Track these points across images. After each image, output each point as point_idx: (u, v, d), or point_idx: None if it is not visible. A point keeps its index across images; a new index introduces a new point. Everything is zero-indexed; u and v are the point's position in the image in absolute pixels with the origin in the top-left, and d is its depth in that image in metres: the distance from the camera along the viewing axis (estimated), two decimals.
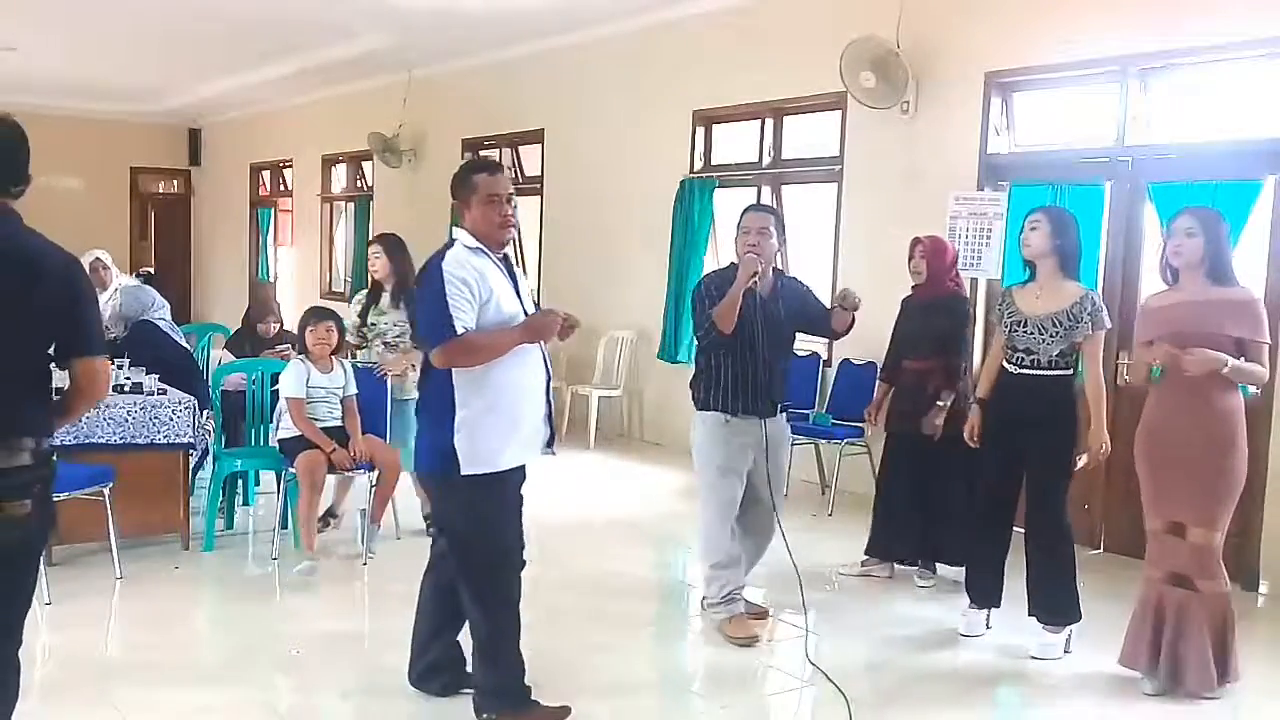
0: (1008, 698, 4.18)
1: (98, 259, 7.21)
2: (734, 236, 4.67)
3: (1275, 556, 5.39)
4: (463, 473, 3.44)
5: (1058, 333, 4.35)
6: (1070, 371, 4.42)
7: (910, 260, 5.31)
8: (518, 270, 3.73)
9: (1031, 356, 4.41)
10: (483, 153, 11.38)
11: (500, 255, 3.60)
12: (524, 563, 3.70)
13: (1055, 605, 4.48)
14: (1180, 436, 3.98)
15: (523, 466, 3.64)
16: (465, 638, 3.76)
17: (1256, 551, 5.41)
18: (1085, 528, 6.04)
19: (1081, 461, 4.35)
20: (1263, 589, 5.40)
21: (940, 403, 5.13)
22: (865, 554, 5.46)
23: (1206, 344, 3.87)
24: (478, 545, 3.57)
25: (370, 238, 6.38)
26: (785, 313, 4.61)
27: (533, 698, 3.67)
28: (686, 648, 4.50)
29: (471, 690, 3.70)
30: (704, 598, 4.67)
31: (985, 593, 4.65)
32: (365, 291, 6.13)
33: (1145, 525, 4.15)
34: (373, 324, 5.91)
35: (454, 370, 3.43)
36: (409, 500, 5.81)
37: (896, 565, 5.43)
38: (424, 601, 3.85)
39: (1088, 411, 4.43)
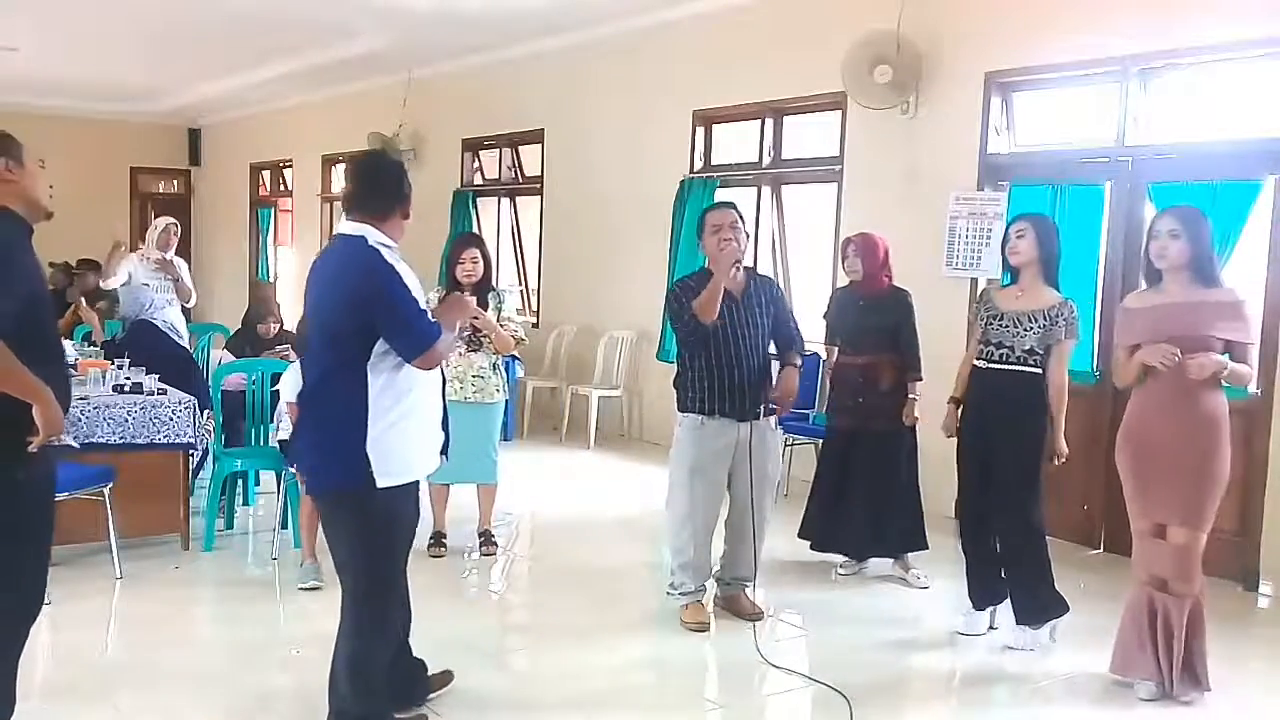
0: (1005, 699, 4.17)
1: (171, 223, 7.52)
2: (698, 239, 4.71)
3: (1275, 557, 5.39)
4: (379, 485, 3.22)
5: (1032, 328, 4.39)
6: (1040, 371, 4.44)
7: (844, 260, 5.46)
8: None
9: (1003, 350, 4.46)
10: (482, 153, 11.42)
11: None
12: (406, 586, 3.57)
13: (1032, 607, 4.52)
14: (1164, 438, 3.94)
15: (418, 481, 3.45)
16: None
17: (1256, 552, 5.41)
18: (1085, 528, 6.06)
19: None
20: (1264, 589, 5.40)
21: (913, 395, 5.29)
22: (807, 542, 5.56)
23: (1198, 347, 3.84)
24: (376, 564, 3.35)
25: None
26: (763, 314, 4.62)
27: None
28: (686, 648, 4.50)
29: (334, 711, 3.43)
30: (669, 584, 4.76)
31: (983, 594, 4.66)
32: None
33: (1132, 527, 4.14)
34: None
35: (370, 373, 3.20)
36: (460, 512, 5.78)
37: (823, 554, 5.56)
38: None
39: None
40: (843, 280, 7.24)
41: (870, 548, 5.42)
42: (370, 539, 3.32)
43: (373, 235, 3.29)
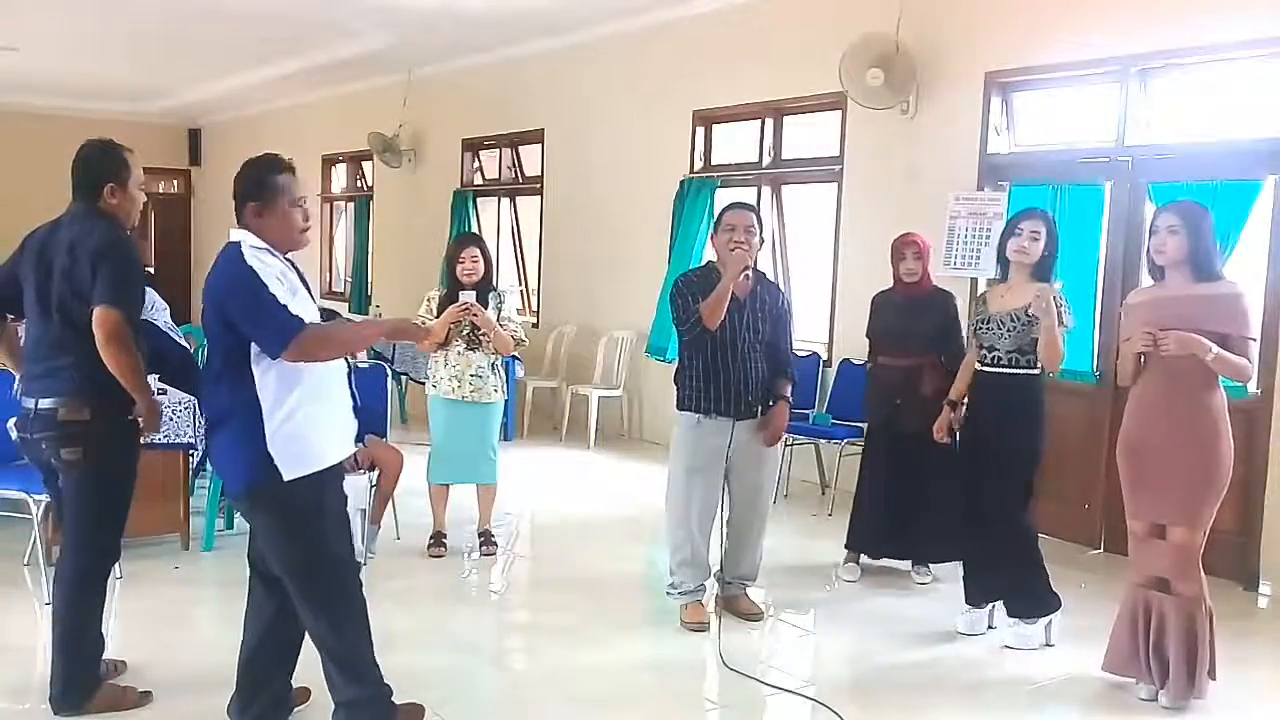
0: (1005, 698, 4.16)
1: None
2: (711, 233, 4.71)
3: (1275, 557, 5.39)
4: (285, 479, 3.14)
5: (1014, 328, 4.39)
6: (1035, 371, 4.43)
7: (902, 261, 5.32)
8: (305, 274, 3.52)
9: (993, 353, 4.47)
10: (482, 153, 11.42)
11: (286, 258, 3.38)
12: (359, 565, 3.50)
13: (1026, 603, 4.54)
14: (1159, 436, 3.92)
15: (341, 465, 3.35)
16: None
17: (1257, 552, 5.41)
18: (1085, 528, 6.06)
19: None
20: (1263, 589, 5.40)
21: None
22: (846, 549, 5.49)
23: None
24: (316, 561, 3.26)
25: None
26: (764, 317, 4.62)
27: (393, 700, 3.44)
28: (685, 648, 4.50)
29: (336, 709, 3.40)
30: (669, 584, 4.76)
31: (978, 592, 4.66)
32: None
33: (1127, 528, 4.13)
34: None
35: (255, 369, 3.15)
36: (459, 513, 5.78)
37: (880, 561, 5.49)
38: (260, 637, 3.50)
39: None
40: (848, 283, 7.33)
41: (936, 551, 5.29)
42: (298, 531, 3.24)
43: (245, 238, 3.31)
